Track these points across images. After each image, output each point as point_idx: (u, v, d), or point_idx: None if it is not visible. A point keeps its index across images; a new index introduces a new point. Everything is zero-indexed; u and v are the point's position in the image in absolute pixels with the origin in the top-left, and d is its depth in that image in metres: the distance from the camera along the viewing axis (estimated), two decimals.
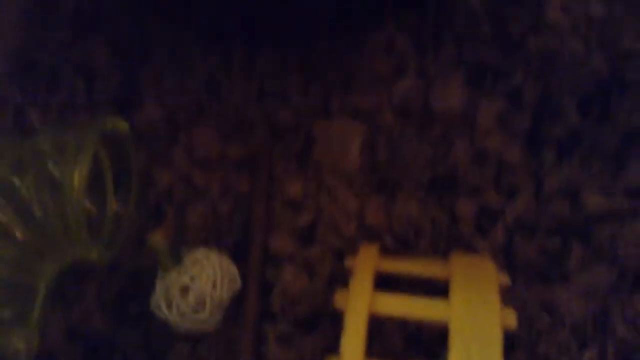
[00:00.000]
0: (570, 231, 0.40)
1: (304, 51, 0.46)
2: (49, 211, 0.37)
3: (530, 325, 0.38)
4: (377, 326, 0.40)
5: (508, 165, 0.41)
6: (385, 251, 0.41)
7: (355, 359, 0.31)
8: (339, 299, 0.34)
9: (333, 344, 0.40)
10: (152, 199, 0.44)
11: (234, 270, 0.40)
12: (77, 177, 0.37)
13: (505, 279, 0.34)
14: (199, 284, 0.38)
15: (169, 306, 0.38)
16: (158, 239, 0.39)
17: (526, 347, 0.38)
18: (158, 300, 0.39)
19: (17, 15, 0.49)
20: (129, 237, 0.42)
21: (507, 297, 0.39)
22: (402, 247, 0.41)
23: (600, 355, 0.38)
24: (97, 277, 0.43)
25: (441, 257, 0.39)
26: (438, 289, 0.34)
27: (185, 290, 0.38)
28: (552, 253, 0.40)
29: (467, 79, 0.43)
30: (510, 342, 0.38)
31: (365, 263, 0.35)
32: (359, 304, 0.32)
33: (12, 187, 0.38)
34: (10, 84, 0.47)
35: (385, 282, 0.36)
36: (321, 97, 0.45)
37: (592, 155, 0.41)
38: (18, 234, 0.38)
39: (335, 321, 0.40)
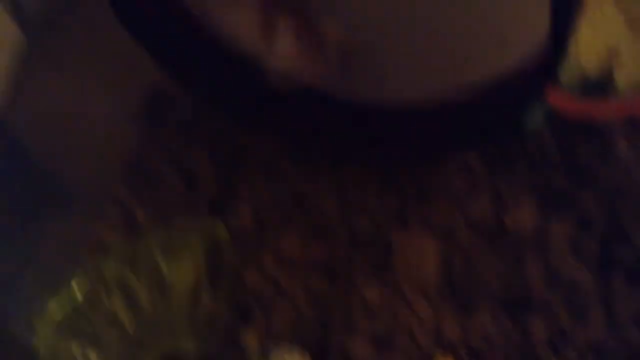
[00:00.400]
0: None
1: (384, 166, 0.51)
2: (157, 305, 0.42)
3: None
4: None
5: (579, 288, 0.44)
6: None
7: None
8: None
9: None
10: (242, 298, 0.48)
11: None
12: (184, 276, 0.42)
13: None
14: None
15: None
16: (249, 338, 0.43)
17: None
18: None
19: (129, 125, 0.56)
20: (221, 334, 0.46)
21: None
22: None
23: None
24: None
25: None
26: None
27: None
28: None
29: (538, 202, 0.47)
30: None
31: None
32: None
33: (126, 282, 0.43)
34: (122, 186, 0.53)
35: None
36: (398, 209, 0.49)
37: None
38: (127, 325, 0.42)
39: None
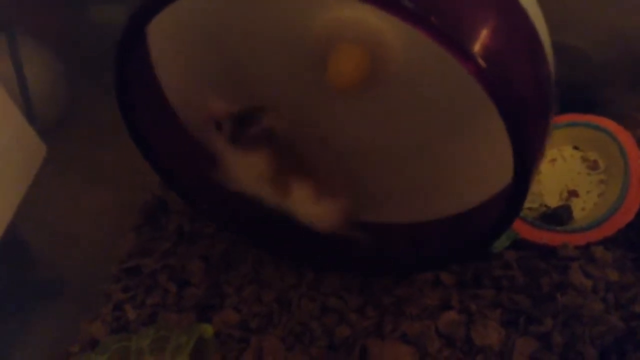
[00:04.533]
0: None
1: (363, 279, 0.55)
2: None
3: None
4: None
5: None
6: None
7: None
8: None
9: None
10: None
11: None
12: None
13: None
14: None
15: None
16: None
17: None
18: None
19: (127, 228, 0.60)
20: None
21: None
22: None
23: None
24: None
25: None
26: None
27: None
28: None
29: (503, 319, 0.51)
30: None
31: None
32: None
33: None
34: (115, 284, 0.56)
35: None
36: (376, 318, 0.52)
37: None
38: None
39: None
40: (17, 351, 0.54)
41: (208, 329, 0.48)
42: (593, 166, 0.59)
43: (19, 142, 0.52)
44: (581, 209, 0.57)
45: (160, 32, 0.45)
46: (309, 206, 0.50)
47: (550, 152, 0.60)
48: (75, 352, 0.52)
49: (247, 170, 0.50)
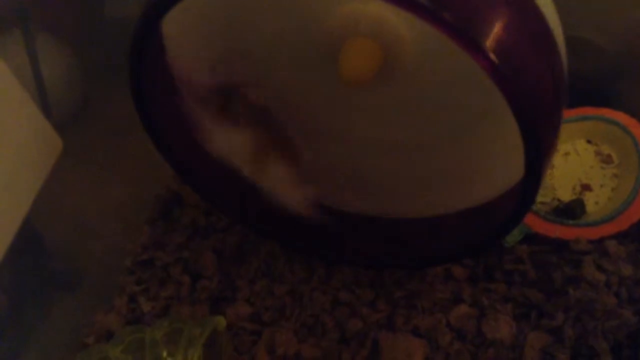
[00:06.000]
0: None
1: (374, 273, 0.55)
2: None
3: None
4: None
5: None
6: None
7: None
8: None
9: None
10: None
11: None
12: None
13: None
14: None
15: None
16: None
17: None
18: None
19: (142, 221, 0.61)
20: None
21: None
22: None
23: None
24: None
25: None
26: None
27: None
28: None
29: (515, 313, 0.51)
30: None
31: None
32: None
33: None
34: (129, 276, 0.57)
35: None
36: (387, 312, 0.52)
37: None
38: None
39: None
40: (34, 342, 0.55)
41: (221, 322, 0.49)
42: (607, 160, 0.58)
43: (36, 137, 0.52)
44: (594, 203, 0.56)
45: (174, 25, 0.45)
46: (286, 188, 0.50)
47: (564, 146, 0.60)
48: (90, 343, 0.53)
49: (229, 144, 0.50)
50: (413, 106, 0.50)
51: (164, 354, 0.46)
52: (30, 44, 0.62)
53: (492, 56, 0.33)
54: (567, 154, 0.59)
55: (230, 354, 0.51)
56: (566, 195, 0.58)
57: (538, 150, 0.37)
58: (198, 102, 0.49)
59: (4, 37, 0.66)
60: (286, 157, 0.50)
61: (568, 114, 0.59)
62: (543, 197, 0.57)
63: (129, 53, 0.44)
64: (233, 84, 0.48)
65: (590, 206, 0.56)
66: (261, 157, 0.50)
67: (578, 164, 0.59)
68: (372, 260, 0.55)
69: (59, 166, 0.54)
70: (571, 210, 0.55)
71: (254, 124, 0.49)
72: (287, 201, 0.51)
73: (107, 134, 0.66)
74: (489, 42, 0.34)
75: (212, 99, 0.48)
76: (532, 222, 0.54)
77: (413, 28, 0.45)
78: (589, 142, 0.60)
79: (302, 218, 0.52)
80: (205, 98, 0.48)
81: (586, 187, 0.57)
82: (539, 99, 0.36)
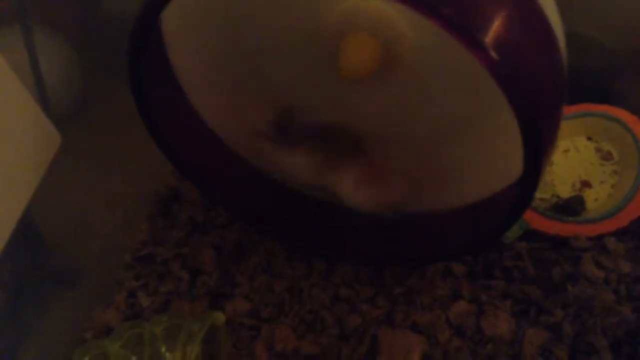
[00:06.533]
0: None
1: (374, 269, 0.55)
2: None
3: None
4: None
5: None
6: None
7: None
8: None
9: None
10: None
11: None
12: None
13: None
14: None
15: None
16: None
17: None
18: None
19: (141, 217, 0.60)
20: None
21: None
22: None
23: None
24: None
25: None
26: None
27: None
28: None
29: (514, 309, 0.51)
30: None
31: None
32: None
33: None
34: (128, 272, 0.57)
35: None
36: (387, 308, 0.52)
37: None
38: None
39: None
40: (33, 338, 0.55)
41: (220, 317, 0.49)
42: (606, 157, 0.58)
43: (34, 132, 0.52)
44: (594, 200, 0.56)
45: (173, 21, 0.45)
46: (355, 190, 0.50)
47: (564, 143, 0.60)
48: (89, 338, 0.53)
49: (297, 163, 0.51)
50: (412, 102, 0.49)
51: (163, 349, 0.46)
52: (29, 39, 0.62)
53: (492, 53, 0.33)
54: (567, 150, 0.59)
55: (229, 349, 0.51)
56: (566, 192, 0.58)
57: (538, 146, 0.37)
58: (252, 136, 0.50)
59: (3, 32, 0.66)
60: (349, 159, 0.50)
61: (568, 110, 0.59)
62: (542, 193, 0.57)
63: (128, 49, 0.44)
64: (282, 113, 0.50)
65: (589, 203, 0.56)
66: (326, 166, 0.50)
67: (578, 160, 0.59)
68: (372, 258, 0.55)
69: (57, 162, 0.54)
70: (571, 207, 0.55)
71: (305, 138, 0.50)
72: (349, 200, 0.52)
73: (106, 129, 0.66)
74: (489, 39, 0.33)
75: (269, 130, 0.50)
76: (532, 218, 0.54)
77: (413, 24, 0.44)
78: (589, 138, 0.60)
79: (303, 215, 0.52)
80: (261, 131, 0.50)
81: (586, 184, 0.57)
82: (538, 96, 0.36)
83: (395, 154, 0.51)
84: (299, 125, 0.50)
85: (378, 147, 0.51)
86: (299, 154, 0.50)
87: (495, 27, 0.34)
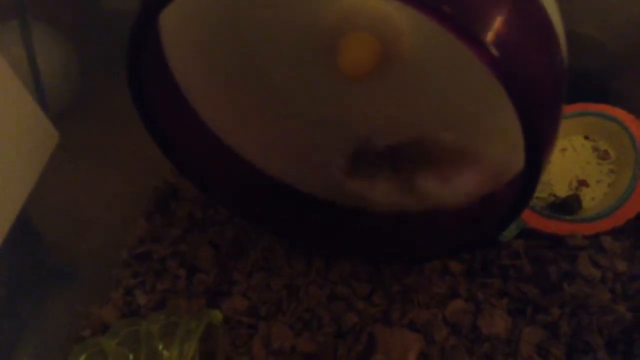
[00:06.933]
0: None
1: (372, 267, 0.55)
2: None
3: None
4: None
5: None
6: None
7: None
8: None
9: None
10: None
11: None
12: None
13: None
14: None
15: None
16: None
17: None
18: None
19: (138, 214, 0.60)
20: None
21: None
22: None
23: None
24: None
25: None
26: None
27: None
28: None
29: (511, 308, 0.51)
30: None
31: None
32: None
33: None
34: (125, 269, 0.57)
35: None
36: (384, 306, 0.53)
37: None
38: None
39: None
40: (29, 335, 0.55)
41: (217, 315, 0.49)
42: (603, 156, 0.58)
43: (31, 129, 0.52)
44: (591, 199, 0.56)
45: (171, 18, 0.45)
46: (436, 192, 0.49)
47: (561, 142, 0.60)
48: (86, 336, 0.53)
49: (380, 189, 0.50)
50: (412, 99, 0.50)
51: (160, 347, 0.46)
52: (27, 36, 0.62)
53: (493, 50, 0.33)
54: (564, 149, 0.60)
55: (226, 347, 0.51)
56: (563, 191, 0.58)
57: (538, 144, 0.37)
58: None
59: (0, 29, 0.66)
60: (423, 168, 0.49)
61: (566, 109, 0.59)
62: (539, 192, 0.57)
63: (127, 47, 0.44)
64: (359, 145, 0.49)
65: (586, 202, 0.56)
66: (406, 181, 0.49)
67: (575, 159, 0.59)
68: (371, 255, 0.55)
69: (55, 159, 0.54)
70: (567, 206, 0.56)
71: (381, 164, 0.49)
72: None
73: (103, 127, 0.66)
74: (490, 36, 0.33)
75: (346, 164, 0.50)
76: (529, 217, 0.54)
77: (412, 21, 0.44)
78: (586, 138, 0.60)
79: (304, 212, 0.53)
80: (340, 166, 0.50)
81: (583, 183, 0.58)
82: (539, 93, 0.36)
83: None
84: (374, 151, 0.49)
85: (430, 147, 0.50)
86: (381, 180, 0.49)
87: (495, 25, 0.34)
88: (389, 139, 0.49)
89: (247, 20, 0.49)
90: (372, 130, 0.49)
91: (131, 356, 0.46)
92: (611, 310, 0.48)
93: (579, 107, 0.60)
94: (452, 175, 0.48)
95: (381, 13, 0.45)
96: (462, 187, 0.48)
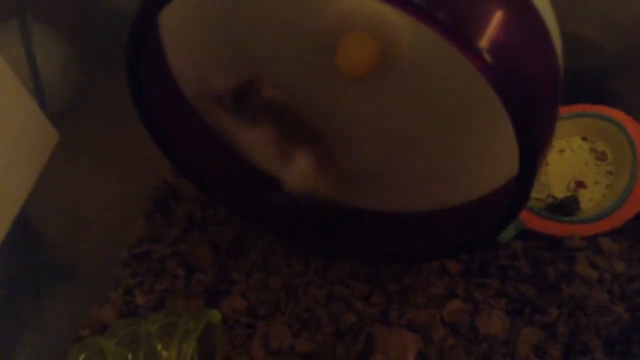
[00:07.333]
0: None
1: (370, 267, 0.55)
2: None
3: None
4: None
5: None
6: None
7: None
8: None
9: None
10: None
11: None
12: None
13: None
14: None
15: None
16: None
17: None
18: None
19: (137, 214, 0.61)
20: None
21: None
22: None
23: None
24: None
25: None
26: None
27: None
28: None
29: (508, 308, 0.51)
30: None
31: None
32: None
33: None
34: (124, 269, 0.57)
35: None
36: (382, 306, 0.53)
37: None
38: None
39: None
40: (28, 334, 0.55)
41: (216, 315, 0.49)
42: (601, 157, 0.58)
43: (31, 128, 0.52)
44: (589, 200, 0.57)
45: (171, 18, 0.45)
46: (307, 174, 0.50)
47: (559, 143, 0.60)
48: (85, 335, 0.53)
49: (251, 141, 0.50)
50: (409, 100, 0.50)
51: (159, 347, 0.46)
52: (26, 36, 0.62)
53: (486, 56, 0.33)
54: (562, 150, 0.60)
55: (224, 347, 0.51)
56: (561, 192, 0.58)
57: (532, 147, 0.37)
58: (213, 103, 0.49)
59: (0, 29, 0.66)
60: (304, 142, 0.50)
61: (564, 111, 0.59)
62: (537, 193, 0.58)
63: (127, 46, 0.44)
64: (245, 83, 0.49)
65: (584, 203, 0.56)
66: (282, 147, 0.50)
67: (573, 160, 0.59)
68: (370, 255, 0.55)
69: (55, 158, 0.54)
70: (565, 207, 0.56)
71: (264, 116, 0.49)
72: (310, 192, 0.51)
73: (103, 126, 0.66)
74: (483, 42, 0.34)
75: (227, 98, 0.49)
76: (527, 218, 0.55)
77: (410, 23, 0.45)
78: (584, 139, 0.60)
79: (302, 211, 0.53)
80: (220, 98, 0.49)
81: (580, 184, 0.58)
82: (533, 98, 0.36)
83: (360, 153, 0.51)
84: (260, 101, 0.49)
85: (341, 143, 0.51)
86: (257, 130, 0.49)
87: (489, 30, 0.34)
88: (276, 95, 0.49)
89: (246, 20, 0.49)
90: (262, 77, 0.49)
91: (130, 356, 0.46)
92: (609, 311, 0.49)
93: (576, 108, 0.60)
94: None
95: (380, 14, 0.45)
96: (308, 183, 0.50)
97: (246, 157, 0.52)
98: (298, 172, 0.50)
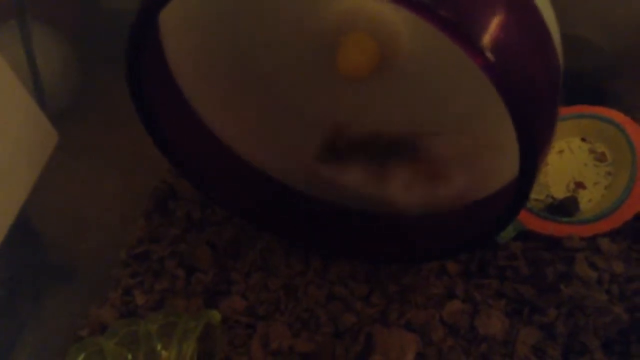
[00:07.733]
0: None
1: (370, 267, 0.55)
2: None
3: None
4: None
5: None
6: None
7: None
8: None
9: None
10: None
11: None
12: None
13: None
14: None
15: None
16: None
17: None
18: None
19: (136, 214, 0.61)
20: None
21: None
22: None
23: None
24: None
25: None
26: None
27: None
28: None
29: (508, 309, 0.51)
30: None
31: None
32: None
33: None
34: (123, 269, 0.57)
35: None
36: (382, 307, 0.53)
37: None
38: None
39: None
40: (28, 334, 0.55)
41: (215, 315, 0.49)
42: (600, 158, 0.59)
43: (31, 129, 0.52)
44: (588, 201, 0.57)
45: (171, 17, 0.46)
46: (407, 192, 0.50)
47: (558, 144, 0.60)
48: (84, 335, 0.53)
49: (348, 183, 0.51)
50: (409, 101, 0.50)
51: (158, 347, 0.46)
52: (26, 36, 0.62)
53: (488, 54, 0.34)
54: (561, 151, 0.60)
55: (224, 347, 0.52)
56: (560, 193, 0.58)
57: (533, 148, 0.37)
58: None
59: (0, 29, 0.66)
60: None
61: (563, 111, 0.59)
62: (537, 194, 0.58)
63: (127, 46, 0.44)
64: (333, 132, 0.50)
65: (583, 204, 0.57)
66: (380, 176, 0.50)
67: (572, 161, 0.59)
68: (370, 255, 0.55)
69: (54, 159, 0.54)
70: (565, 208, 0.56)
71: (362, 155, 0.50)
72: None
73: (102, 126, 0.66)
74: (485, 40, 0.34)
75: (322, 153, 0.50)
76: (526, 219, 0.55)
77: (410, 24, 0.45)
78: (583, 140, 0.60)
79: (302, 211, 0.53)
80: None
81: (580, 185, 0.58)
82: (534, 97, 0.37)
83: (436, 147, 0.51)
84: (346, 141, 0.50)
85: (420, 145, 0.50)
86: (354, 169, 0.50)
87: (491, 28, 0.34)
88: (370, 128, 0.49)
89: (246, 20, 0.50)
90: (349, 119, 0.50)
91: (129, 356, 0.46)
92: (608, 312, 0.49)
93: (576, 109, 0.60)
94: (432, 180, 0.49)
95: (380, 14, 0.45)
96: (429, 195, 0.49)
97: (287, 180, 0.53)
98: (403, 188, 0.50)
